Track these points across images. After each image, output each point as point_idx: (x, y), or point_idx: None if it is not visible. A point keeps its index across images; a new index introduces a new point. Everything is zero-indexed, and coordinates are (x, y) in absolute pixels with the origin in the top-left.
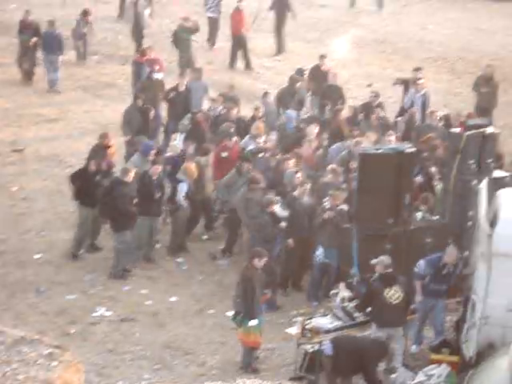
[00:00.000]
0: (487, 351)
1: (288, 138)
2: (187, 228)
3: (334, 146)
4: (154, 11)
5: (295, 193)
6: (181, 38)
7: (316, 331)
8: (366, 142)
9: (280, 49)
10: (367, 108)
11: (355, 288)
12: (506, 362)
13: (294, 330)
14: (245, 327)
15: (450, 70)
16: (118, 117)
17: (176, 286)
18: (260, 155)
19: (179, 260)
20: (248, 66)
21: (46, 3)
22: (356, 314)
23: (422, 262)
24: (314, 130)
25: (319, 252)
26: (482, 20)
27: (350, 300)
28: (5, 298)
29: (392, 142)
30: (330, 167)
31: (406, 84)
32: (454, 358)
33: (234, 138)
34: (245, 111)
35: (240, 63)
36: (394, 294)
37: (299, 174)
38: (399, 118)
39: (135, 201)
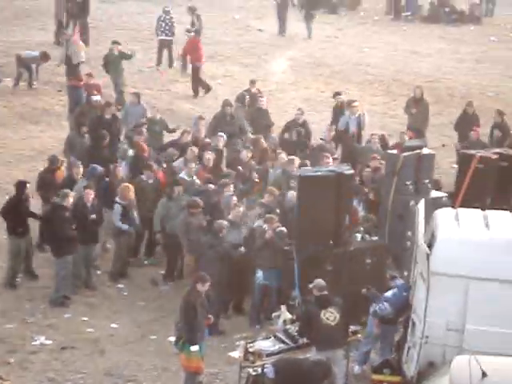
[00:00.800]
0: (428, 370)
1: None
2: (133, 249)
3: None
4: (90, 37)
5: (230, 216)
6: (112, 62)
7: (259, 354)
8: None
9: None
10: (291, 125)
11: (297, 310)
12: (446, 380)
13: (236, 354)
14: (187, 352)
15: (386, 92)
16: (55, 143)
17: (117, 313)
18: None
19: (120, 286)
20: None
21: None
22: (298, 337)
23: (386, 305)
24: (245, 155)
25: (259, 274)
26: (418, 43)
27: (292, 322)
28: None
29: (329, 163)
30: (268, 188)
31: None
32: (396, 378)
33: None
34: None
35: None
36: (330, 316)
37: (235, 198)
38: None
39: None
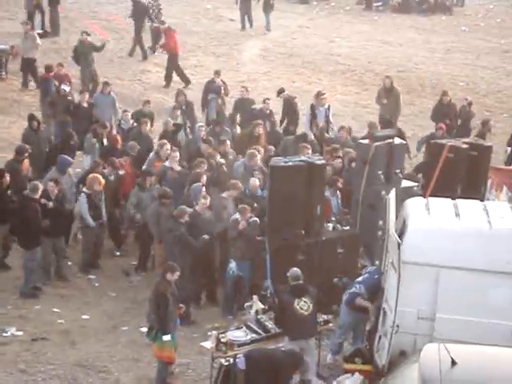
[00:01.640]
0: (399, 359)
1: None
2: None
3: (238, 162)
4: (61, 26)
5: (197, 207)
6: (81, 53)
7: (231, 345)
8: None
9: (144, 55)
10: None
11: (269, 300)
12: (416, 368)
13: (208, 344)
14: (159, 342)
15: (358, 82)
16: None
17: (88, 304)
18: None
19: (91, 277)
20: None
21: None
22: (271, 326)
23: (361, 287)
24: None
25: (232, 265)
26: (389, 33)
27: (264, 312)
28: None
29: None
30: (230, 182)
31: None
32: (367, 367)
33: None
34: (157, 126)
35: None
36: (303, 305)
37: (204, 189)
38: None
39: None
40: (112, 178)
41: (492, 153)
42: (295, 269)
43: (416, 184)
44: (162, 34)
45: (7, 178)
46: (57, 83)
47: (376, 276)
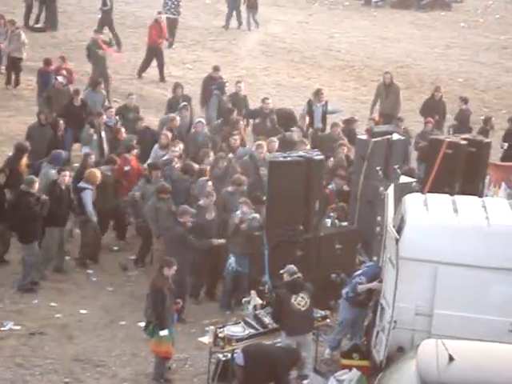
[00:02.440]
0: (397, 355)
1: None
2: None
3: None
4: (59, 21)
5: (201, 202)
6: (94, 52)
7: (228, 340)
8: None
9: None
10: (257, 114)
11: (267, 296)
12: (414, 364)
13: (206, 339)
14: (156, 337)
15: (357, 77)
16: (24, 128)
17: (86, 298)
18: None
19: (89, 271)
20: (162, 79)
21: None
22: (268, 322)
23: (362, 278)
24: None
25: (232, 260)
26: (388, 28)
27: (262, 307)
28: None
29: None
30: (233, 177)
31: None
32: (365, 363)
33: (135, 151)
34: (156, 121)
35: (148, 73)
36: (301, 301)
37: (210, 183)
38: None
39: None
40: (109, 174)
41: (491, 149)
42: (291, 265)
43: (414, 180)
44: (177, 27)
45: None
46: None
47: (376, 268)
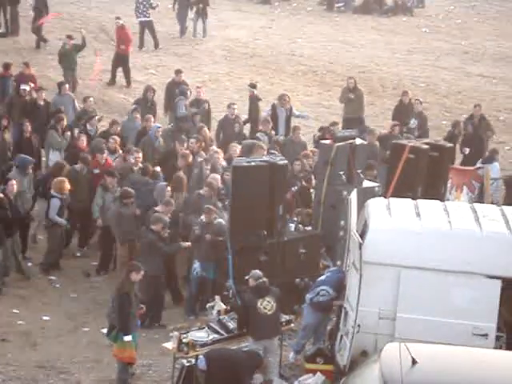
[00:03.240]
0: (360, 359)
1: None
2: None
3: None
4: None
5: (158, 208)
6: (67, 56)
7: (193, 345)
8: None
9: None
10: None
11: (231, 301)
12: (377, 368)
13: (170, 345)
14: (120, 343)
15: (320, 82)
16: None
17: (49, 305)
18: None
19: (52, 278)
20: (128, 83)
21: None
22: (232, 327)
23: (327, 288)
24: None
25: (196, 265)
26: (350, 33)
27: (226, 312)
28: None
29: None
30: (207, 180)
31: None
32: (329, 367)
33: (105, 154)
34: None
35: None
36: (267, 305)
37: (169, 188)
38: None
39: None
40: (84, 172)
41: (454, 153)
42: (256, 270)
43: (377, 184)
44: (153, 28)
45: None
46: (14, 83)
47: (339, 274)
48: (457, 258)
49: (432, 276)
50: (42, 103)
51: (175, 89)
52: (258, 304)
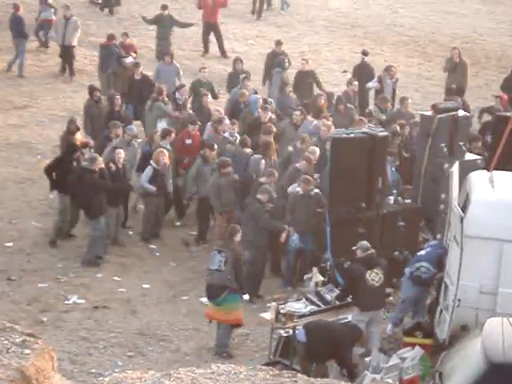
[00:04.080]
0: (460, 333)
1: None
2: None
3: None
4: None
5: (262, 179)
6: (161, 25)
7: (290, 316)
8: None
9: None
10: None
11: (328, 272)
12: (479, 343)
13: (268, 315)
14: (226, 306)
15: (421, 53)
16: None
17: (149, 273)
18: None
19: (152, 246)
20: (223, 53)
21: None
22: (330, 299)
23: (427, 265)
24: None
25: (294, 237)
26: (453, 3)
27: (324, 284)
28: None
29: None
30: (304, 155)
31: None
32: (428, 341)
33: (196, 126)
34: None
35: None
36: (375, 277)
37: (263, 161)
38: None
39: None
40: (168, 147)
41: None
42: (364, 241)
43: (480, 157)
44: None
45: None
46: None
47: (439, 250)
48: None
49: None
50: (138, 78)
51: (275, 59)
52: (367, 275)
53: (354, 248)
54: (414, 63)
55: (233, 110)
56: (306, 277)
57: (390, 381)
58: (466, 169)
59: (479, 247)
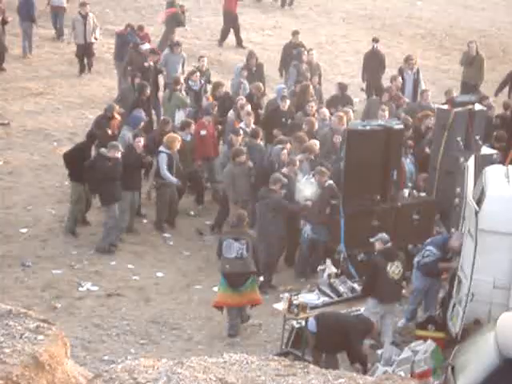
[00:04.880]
0: (473, 327)
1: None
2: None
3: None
4: None
5: (284, 170)
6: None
7: (303, 307)
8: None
9: None
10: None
11: (341, 264)
12: (492, 337)
13: (280, 306)
14: (247, 289)
15: (439, 46)
16: (104, 91)
17: (162, 262)
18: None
19: (166, 235)
20: (240, 43)
21: None
22: (343, 290)
23: (431, 248)
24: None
25: (307, 228)
26: None
27: (337, 276)
28: None
29: (385, 116)
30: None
31: None
32: (440, 334)
33: (211, 117)
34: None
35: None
36: (396, 269)
37: (285, 151)
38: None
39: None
40: (188, 138)
41: None
42: (383, 234)
43: (496, 152)
44: None
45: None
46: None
47: (445, 235)
48: None
49: None
50: (151, 64)
51: (292, 50)
52: (388, 268)
53: (372, 240)
54: (431, 56)
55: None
56: (319, 268)
57: (401, 373)
58: (482, 163)
59: (493, 242)
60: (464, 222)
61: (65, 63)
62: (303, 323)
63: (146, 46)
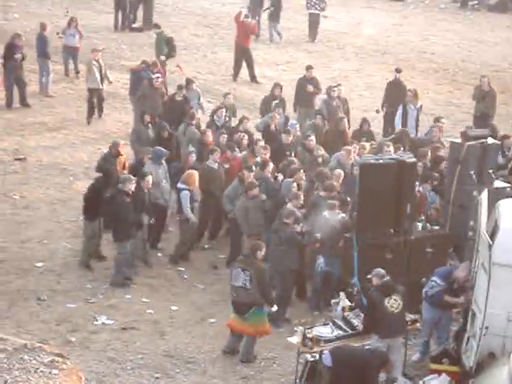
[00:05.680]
0: (487, 361)
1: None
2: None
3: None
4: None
5: (289, 205)
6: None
7: (317, 340)
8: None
9: None
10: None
11: (355, 297)
12: (506, 371)
13: (294, 339)
14: (257, 318)
15: (451, 81)
16: (120, 126)
17: (177, 295)
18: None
19: (180, 269)
20: (253, 78)
21: (50, 13)
22: (357, 324)
23: (436, 279)
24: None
25: (320, 261)
26: (484, 31)
27: (351, 309)
28: (6, 307)
29: (390, 152)
30: (326, 183)
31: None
32: (454, 368)
33: (235, 151)
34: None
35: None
36: (393, 303)
37: (295, 185)
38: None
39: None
40: (216, 166)
41: None
42: (379, 268)
43: (509, 185)
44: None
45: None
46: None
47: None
48: None
49: None
50: (179, 99)
51: (306, 85)
52: (385, 302)
53: (369, 276)
54: (444, 90)
55: (264, 135)
56: (332, 301)
57: None
58: (495, 196)
59: (507, 275)
60: (477, 255)
61: (81, 98)
62: (317, 357)
63: (156, 75)
